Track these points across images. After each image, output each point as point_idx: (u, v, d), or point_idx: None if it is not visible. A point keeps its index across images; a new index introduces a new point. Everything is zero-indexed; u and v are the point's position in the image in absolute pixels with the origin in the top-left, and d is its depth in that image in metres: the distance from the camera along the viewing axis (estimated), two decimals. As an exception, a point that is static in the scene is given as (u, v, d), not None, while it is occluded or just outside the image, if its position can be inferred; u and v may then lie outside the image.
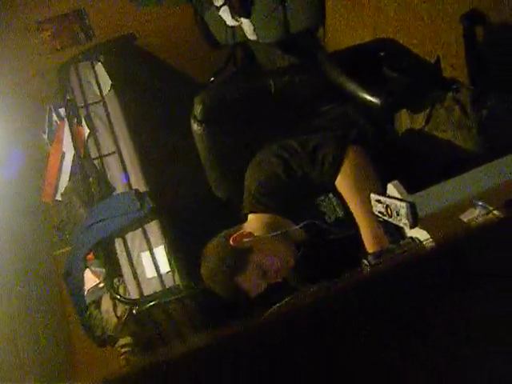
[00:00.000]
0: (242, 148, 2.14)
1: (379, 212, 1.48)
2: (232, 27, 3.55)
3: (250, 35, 3.43)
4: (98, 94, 3.49)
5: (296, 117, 2.15)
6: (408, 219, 1.36)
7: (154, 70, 4.00)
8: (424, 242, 1.35)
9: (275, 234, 1.84)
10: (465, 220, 1.27)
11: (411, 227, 1.38)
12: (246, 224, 1.93)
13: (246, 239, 1.84)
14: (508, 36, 2.12)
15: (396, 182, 1.53)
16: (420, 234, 1.40)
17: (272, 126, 2.14)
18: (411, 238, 1.45)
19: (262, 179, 1.87)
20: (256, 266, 1.81)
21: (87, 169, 3.21)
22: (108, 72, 3.57)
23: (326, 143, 1.80)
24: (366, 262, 1.43)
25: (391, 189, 1.53)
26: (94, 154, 3.26)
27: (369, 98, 1.86)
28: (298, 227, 1.83)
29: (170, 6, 3.79)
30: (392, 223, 1.46)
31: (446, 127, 1.77)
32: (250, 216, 1.95)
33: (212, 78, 3.75)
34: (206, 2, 3.60)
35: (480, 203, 1.26)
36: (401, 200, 1.41)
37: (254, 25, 3.38)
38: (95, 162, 3.23)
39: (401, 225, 1.42)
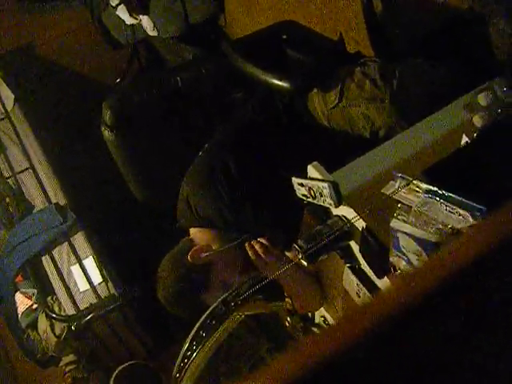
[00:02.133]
0: (156, 149, 2.10)
1: (303, 195, 1.49)
2: (131, 25, 3.48)
3: (151, 31, 3.37)
4: (2, 110, 3.37)
5: (209, 109, 2.13)
6: (332, 199, 1.38)
7: (59, 78, 3.89)
8: (352, 220, 1.36)
9: (234, 243, 1.76)
10: (387, 193, 1.29)
11: (336, 206, 1.39)
12: (192, 238, 1.87)
13: (204, 254, 1.76)
14: (405, 5, 2.16)
15: (315, 163, 1.54)
16: (346, 211, 1.41)
17: (186, 122, 2.12)
18: (338, 216, 1.46)
19: (206, 200, 1.82)
20: (219, 281, 1.74)
21: (2, 189, 3.10)
22: (10, 86, 3.45)
23: None
24: (296, 247, 1.43)
25: (312, 170, 1.53)
26: (6, 172, 3.15)
27: (277, 82, 1.85)
28: (248, 236, 1.77)
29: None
30: (317, 204, 1.47)
31: (359, 101, 1.79)
32: (194, 230, 1.88)
33: (118, 80, 3.68)
34: (102, 3, 3.52)
35: (399, 175, 1.28)
36: (322, 181, 1.41)
37: (153, 21, 3.33)
38: (9, 180, 3.12)
39: (326, 205, 1.43)
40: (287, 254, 1.70)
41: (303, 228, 1.60)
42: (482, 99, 1.41)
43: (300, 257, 1.40)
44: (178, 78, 2.10)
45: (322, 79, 1.87)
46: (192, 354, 1.28)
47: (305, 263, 1.42)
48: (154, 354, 2.81)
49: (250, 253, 1.66)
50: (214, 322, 1.31)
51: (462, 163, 1.28)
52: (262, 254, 1.66)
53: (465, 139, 1.38)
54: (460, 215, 1.13)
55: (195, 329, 1.31)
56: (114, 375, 1.34)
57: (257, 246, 1.67)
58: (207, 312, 1.34)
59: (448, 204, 1.15)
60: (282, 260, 1.68)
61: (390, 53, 2.06)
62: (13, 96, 3.40)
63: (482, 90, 1.44)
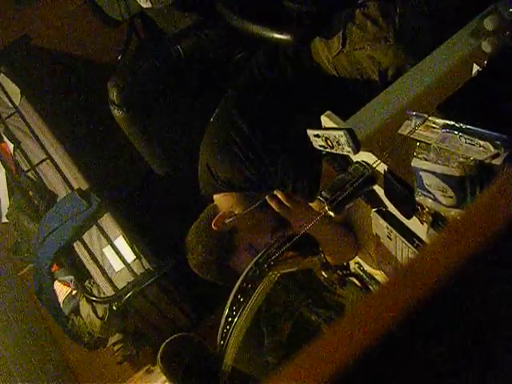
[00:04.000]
0: (168, 121, 2.10)
1: (320, 146, 1.48)
2: (124, 0, 3.44)
3: (144, 3, 3.32)
4: (11, 105, 3.37)
5: (214, 74, 2.11)
6: (350, 146, 1.37)
7: (62, 65, 3.88)
8: (373, 164, 1.36)
9: (255, 205, 1.74)
10: (404, 133, 1.28)
11: (355, 153, 1.38)
12: (216, 205, 1.86)
13: (228, 220, 1.76)
14: None
15: (329, 112, 1.53)
16: (366, 156, 1.41)
17: (193, 90, 2.11)
18: (358, 162, 1.45)
19: (224, 164, 1.81)
20: (245, 245, 1.75)
21: (23, 183, 3.13)
22: (14, 81, 3.45)
23: None
24: (321, 198, 1.43)
25: (326, 120, 1.52)
26: (25, 166, 3.17)
27: (278, 36, 1.82)
28: (268, 196, 1.76)
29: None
30: (336, 153, 1.46)
31: (363, 44, 1.75)
32: (217, 196, 1.88)
33: (119, 57, 3.66)
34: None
35: (414, 113, 1.26)
36: (338, 129, 1.40)
37: (144, -8, 3.28)
38: (29, 173, 3.14)
39: (345, 153, 1.42)
40: (312, 205, 1.70)
41: (325, 179, 1.60)
42: (489, 23, 1.38)
43: (326, 208, 1.40)
44: (179, 47, 2.08)
45: (322, 27, 1.84)
46: (233, 319, 1.29)
47: (332, 214, 1.42)
48: (197, 323, 2.85)
49: (273, 204, 1.66)
50: (250, 286, 1.32)
51: (476, 93, 1.27)
52: (286, 202, 1.66)
53: (476, 68, 1.35)
54: (480, 146, 1.11)
55: (232, 294, 1.32)
56: (160, 351, 1.36)
57: (279, 195, 1.67)
58: (242, 276, 1.35)
59: (467, 136, 1.14)
60: (307, 207, 1.68)
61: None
62: (19, 90, 3.40)
63: (487, 14, 1.41)
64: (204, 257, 1.77)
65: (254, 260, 1.38)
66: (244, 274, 1.35)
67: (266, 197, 1.69)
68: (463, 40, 1.47)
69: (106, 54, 3.82)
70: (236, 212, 1.78)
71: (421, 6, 1.73)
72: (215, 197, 1.89)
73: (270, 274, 1.34)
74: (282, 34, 1.83)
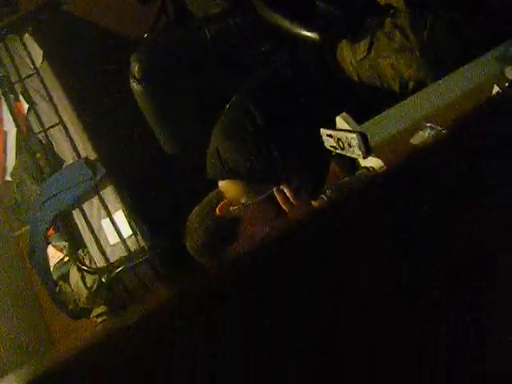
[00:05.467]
0: (186, 102, 2.10)
1: (331, 146, 1.49)
2: (159, -22, 3.45)
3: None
4: (32, 66, 3.38)
5: (237, 62, 2.12)
6: (361, 149, 1.37)
7: (88, 33, 3.88)
8: (379, 170, 1.36)
9: (263, 196, 1.74)
10: (415, 143, 1.28)
11: (365, 157, 1.39)
12: (221, 190, 1.85)
13: (234, 207, 1.76)
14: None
15: (344, 114, 1.53)
16: (374, 162, 1.41)
17: (215, 75, 2.11)
18: (366, 167, 1.46)
19: (234, 151, 1.81)
20: (247, 234, 1.75)
21: (32, 144, 3.13)
22: (38, 42, 3.46)
23: None
24: (324, 197, 1.44)
25: (340, 122, 1.53)
26: (36, 128, 3.17)
27: (306, 33, 1.84)
28: (275, 188, 1.76)
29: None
30: (346, 156, 1.47)
31: (389, 53, 1.76)
32: (223, 182, 1.86)
33: (146, 34, 3.66)
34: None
35: (428, 125, 1.27)
36: (351, 131, 1.41)
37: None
38: (39, 136, 3.15)
39: (354, 156, 1.42)
40: (314, 204, 1.71)
41: (331, 179, 1.60)
42: (515, 51, 1.39)
43: (327, 207, 1.41)
44: (206, 31, 2.09)
45: (351, 30, 1.85)
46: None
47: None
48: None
49: (278, 197, 1.66)
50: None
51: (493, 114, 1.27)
52: (291, 198, 1.66)
53: (496, 90, 1.36)
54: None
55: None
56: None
57: (286, 190, 1.67)
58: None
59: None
60: (309, 206, 1.68)
61: (420, 3, 2.02)
62: (41, 52, 3.41)
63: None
64: (203, 240, 1.77)
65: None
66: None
67: (274, 190, 1.69)
68: (487, 63, 1.47)
69: (134, 30, 3.82)
70: (242, 201, 1.79)
71: (452, 24, 1.73)
72: (220, 183, 1.89)
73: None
74: (310, 31, 1.84)
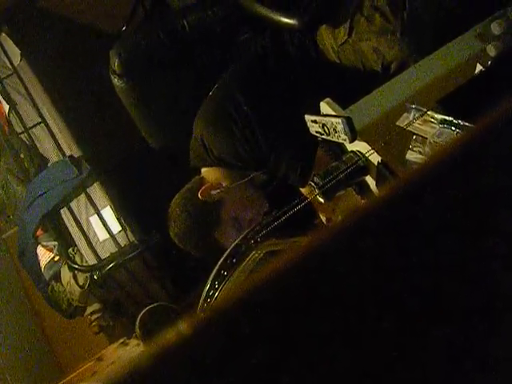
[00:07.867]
0: (167, 94, 2.09)
1: (316, 132, 1.49)
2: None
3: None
4: (10, 66, 3.34)
5: (217, 51, 2.11)
6: (346, 134, 1.37)
7: (64, 29, 3.84)
8: (367, 154, 1.36)
9: (245, 180, 1.77)
10: (401, 125, 1.28)
11: (351, 141, 1.39)
12: (204, 176, 1.87)
13: (215, 191, 1.77)
14: None
15: (328, 99, 1.53)
16: (361, 146, 1.41)
17: (195, 65, 2.10)
18: (353, 151, 1.45)
19: (219, 138, 1.81)
20: (230, 218, 1.76)
21: (15, 145, 3.11)
22: (15, 42, 3.42)
23: None
24: (312, 184, 1.43)
25: (325, 107, 1.53)
26: (19, 128, 3.14)
27: (284, 20, 1.82)
28: (259, 173, 1.77)
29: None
30: (331, 141, 1.46)
31: (369, 36, 1.75)
32: (205, 169, 1.88)
33: (123, 28, 3.63)
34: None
35: (413, 106, 1.27)
36: (336, 116, 1.41)
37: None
38: (22, 136, 3.12)
39: (340, 141, 1.42)
40: (302, 190, 1.71)
41: (318, 165, 1.61)
42: (496, 28, 1.39)
43: (316, 193, 1.41)
44: (185, 22, 2.07)
45: (330, 15, 1.84)
46: (214, 293, 1.30)
47: (321, 200, 1.42)
48: (177, 298, 2.86)
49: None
50: (234, 261, 1.32)
51: (477, 92, 1.27)
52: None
53: (479, 68, 1.36)
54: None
55: (216, 268, 1.33)
56: (139, 317, 1.36)
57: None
58: (228, 251, 1.36)
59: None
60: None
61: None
62: (19, 51, 3.37)
63: (494, 19, 1.42)
64: (187, 226, 1.78)
65: (242, 236, 1.38)
66: (230, 248, 1.36)
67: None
68: (469, 41, 1.48)
69: (111, 24, 3.79)
70: (224, 185, 1.78)
71: (430, 4, 1.73)
72: (203, 170, 1.90)
73: (254, 252, 1.35)
74: (288, 18, 1.82)
